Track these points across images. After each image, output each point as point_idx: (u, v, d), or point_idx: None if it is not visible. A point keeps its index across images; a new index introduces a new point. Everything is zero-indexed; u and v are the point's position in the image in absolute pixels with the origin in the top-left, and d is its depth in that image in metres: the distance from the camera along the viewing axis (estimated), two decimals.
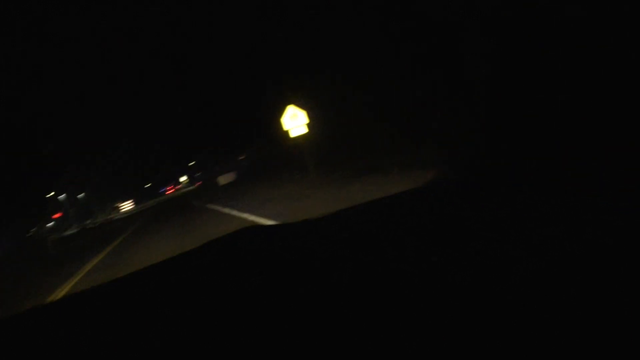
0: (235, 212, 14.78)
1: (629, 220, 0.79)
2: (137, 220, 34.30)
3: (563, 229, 0.84)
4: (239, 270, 1.27)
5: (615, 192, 0.92)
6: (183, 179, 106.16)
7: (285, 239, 1.58)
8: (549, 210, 0.95)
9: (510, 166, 1.24)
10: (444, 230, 1.05)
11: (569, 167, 1.17)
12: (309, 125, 15.97)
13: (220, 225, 12.64)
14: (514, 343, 0.59)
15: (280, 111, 15.90)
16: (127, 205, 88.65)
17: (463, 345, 0.62)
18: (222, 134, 44.73)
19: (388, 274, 0.90)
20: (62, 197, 67.83)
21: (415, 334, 0.66)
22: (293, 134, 16.01)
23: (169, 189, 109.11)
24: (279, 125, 16.11)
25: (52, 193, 67.04)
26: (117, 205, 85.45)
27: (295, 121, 15.87)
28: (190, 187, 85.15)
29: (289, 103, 15.92)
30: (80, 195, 78.47)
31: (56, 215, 72.27)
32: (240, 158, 44.25)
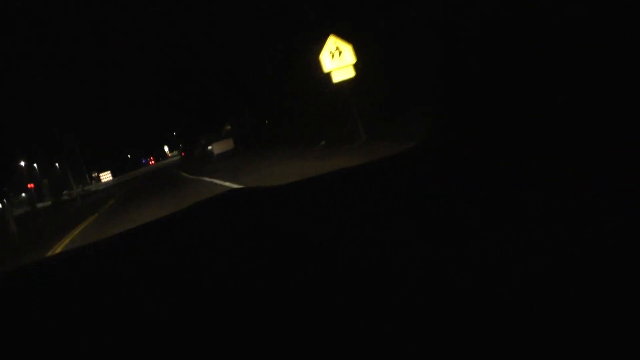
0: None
1: (629, 220, 0.78)
2: (116, 193, 31.41)
3: (562, 228, 0.82)
4: (227, 232, 1.27)
5: (615, 192, 0.88)
6: (167, 150, 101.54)
7: (274, 201, 1.53)
8: (547, 209, 0.92)
9: (510, 165, 1.14)
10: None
11: (569, 166, 1.06)
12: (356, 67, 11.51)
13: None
14: (512, 342, 0.59)
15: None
16: (105, 177, 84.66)
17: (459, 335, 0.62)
18: (206, 103, 42.27)
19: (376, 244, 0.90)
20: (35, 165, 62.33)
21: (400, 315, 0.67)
22: (336, 78, 11.52)
23: (151, 160, 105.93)
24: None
25: (22, 163, 61.68)
26: (95, 175, 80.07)
27: (338, 61, 11.40)
28: (176, 158, 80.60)
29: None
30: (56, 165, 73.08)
31: (30, 185, 67.13)
32: (227, 128, 41.29)
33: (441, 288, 0.72)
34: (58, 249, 12.31)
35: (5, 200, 71.33)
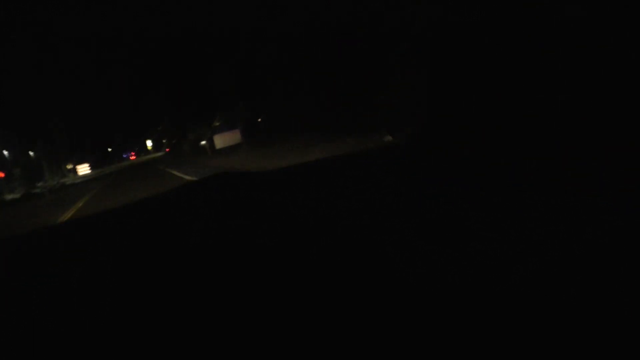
0: None
1: (628, 219, 0.85)
2: (94, 188, 27.68)
3: (562, 228, 0.91)
4: (215, 209, 1.17)
5: (615, 191, 0.96)
6: (149, 144, 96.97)
7: (259, 183, 1.20)
8: (547, 209, 0.95)
9: (510, 165, 1.04)
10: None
11: (569, 166, 1.12)
12: None
13: None
14: (512, 342, 0.67)
15: None
16: (83, 169, 79.87)
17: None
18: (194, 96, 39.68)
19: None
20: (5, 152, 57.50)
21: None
22: None
23: (132, 156, 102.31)
24: None
25: None
26: (72, 167, 75.17)
27: None
28: (160, 154, 76.19)
29: None
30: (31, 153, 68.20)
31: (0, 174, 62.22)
32: (215, 124, 37.80)
33: (439, 287, 0.73)
34: None
35: None
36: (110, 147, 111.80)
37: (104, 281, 1.13)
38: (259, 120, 27.05)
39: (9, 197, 53.20)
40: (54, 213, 16.36)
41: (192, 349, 0.69)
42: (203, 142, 33.21)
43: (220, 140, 26.15)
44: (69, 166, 69.95)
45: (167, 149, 66.01)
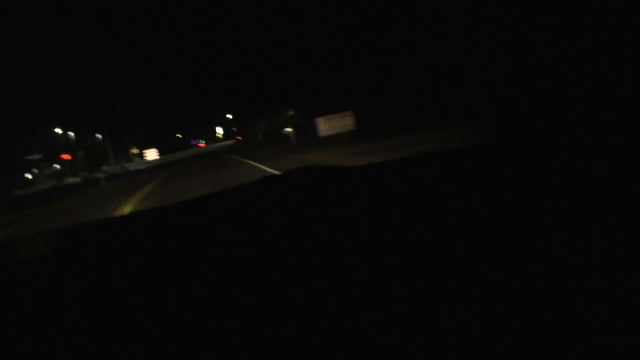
0: None
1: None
2: (159, 175, 22.88)
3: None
4: (293, 208, 1.25)
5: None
6: (219, 132, 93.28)
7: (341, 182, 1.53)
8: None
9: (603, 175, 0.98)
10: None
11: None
12: None
13: None
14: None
15: None
16: (151, 154, 77.19)
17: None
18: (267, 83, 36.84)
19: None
20: (71, 134, 53.93)
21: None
22: None
23: (201, 143, 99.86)
24: None
25: (57, 129, 53.35)
26: (137, 152, 71.61)
27: None
28: (229, 142, 72.28)
29: None
30: (97, 136, 64.82)
31: (65, 156, 59.13)
32: (290, 114, 36.17)
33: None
34: None
35: (36, 170, 63.93)
36: (179, 134, 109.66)
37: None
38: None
39: (70, 180, 49.76)
40: (106, 204, 13.35)
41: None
42: (288, 130, 27.44)
43: (326, 124, 18.21)
44: (134, 151, 66.23)
45: (239, 137, 61.86)
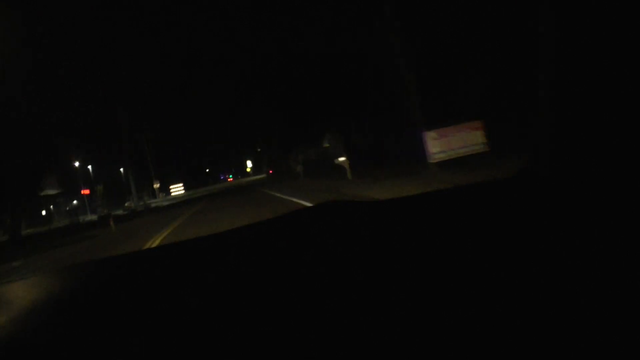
0: None
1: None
2: (179, 216, 18.74)
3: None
4: (323, 243, 1.26)
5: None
6: (249, 165, 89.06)
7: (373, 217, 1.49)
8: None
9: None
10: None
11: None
12: None
13: None
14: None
15: None
16: (176, 190, 73.15)
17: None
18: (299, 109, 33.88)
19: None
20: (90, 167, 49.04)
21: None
22: None
23: (229, 178, 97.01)
24: None
25: (76, 163, 48.61)
26: (158, 186, 66.89)
27: None
28: (260, 176, 68.43)
29: None
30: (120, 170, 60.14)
31: (85, 191, 54.45)
32: (325, 145, 34.76)
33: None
34: None
35: (52, 207, 59.43)
36: (207, 168, 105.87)
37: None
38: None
39: (88, 218, 45.00)
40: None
41: None
42: (341, 159, 22.40)
43: (442, 144, 11.93)
44: (156, 185, 61.33)
45: (270, 170, 57.99)
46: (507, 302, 0.72)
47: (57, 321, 1.05)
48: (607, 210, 0.99)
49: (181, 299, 1.02)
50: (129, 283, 1.26)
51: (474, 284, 0.80)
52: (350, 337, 0.71)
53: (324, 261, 1.07)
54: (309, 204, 10.94)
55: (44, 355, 0.88)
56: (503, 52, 11.44)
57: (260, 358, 0.72)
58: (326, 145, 35.14)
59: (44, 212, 57.53)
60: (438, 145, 11.83)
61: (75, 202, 58.85)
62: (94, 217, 42.16)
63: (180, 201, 43.33)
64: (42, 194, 52.18)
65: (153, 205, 44.30)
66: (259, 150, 75.42)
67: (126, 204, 52.63)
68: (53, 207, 59.28)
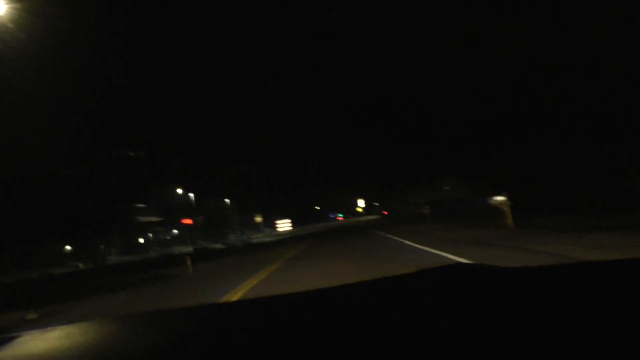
0: None
1: None
2: (281, 256, 15.30)
3: None
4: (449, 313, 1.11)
5: None
6: (361, 204, 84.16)
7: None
8: None
9: None
10: None
11: None
12: None
13: None
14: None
15: None
16: (283, 225, 69.19)
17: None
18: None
19: None
20: (191, 195, 45.33)
21: None
22: None
23: (339, 217, 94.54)
24: None
25: (179, 190, 45.14)
26: (261, 220, 62.87)
27: None
28: (372, 216, 62.72)
29: None
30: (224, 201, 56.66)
31: (186, 221, 51.02)
32: (445, 188, 33.79)
33: None
34: None
35: (150, 235, 56.69)
36: (317, 206, 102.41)
37: None
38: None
39: (185, 250, 41.02)
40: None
41: None
42: (499, 199, 15.80)
43: None
44: (258, 219, 57.13)
45: (385, 212, 52.79)
46: None
47: None
48: None
49: None
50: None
51: None
52: None
53: None
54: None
55: None
56: None
57: None
58: (446, 187, 33.67)
59: (142, 240, 55.04)
60: None
61: (175, 231, 55.95)
62: (190, 248, 38.02)
63: (284, 238, 39.36)
64: (143, 220, 49.65)
65: (254, 240, 39.64)
66: (370, 189, 70.96)
67: (230, 237, 48.73)
68: (152, 235, 56.73)
